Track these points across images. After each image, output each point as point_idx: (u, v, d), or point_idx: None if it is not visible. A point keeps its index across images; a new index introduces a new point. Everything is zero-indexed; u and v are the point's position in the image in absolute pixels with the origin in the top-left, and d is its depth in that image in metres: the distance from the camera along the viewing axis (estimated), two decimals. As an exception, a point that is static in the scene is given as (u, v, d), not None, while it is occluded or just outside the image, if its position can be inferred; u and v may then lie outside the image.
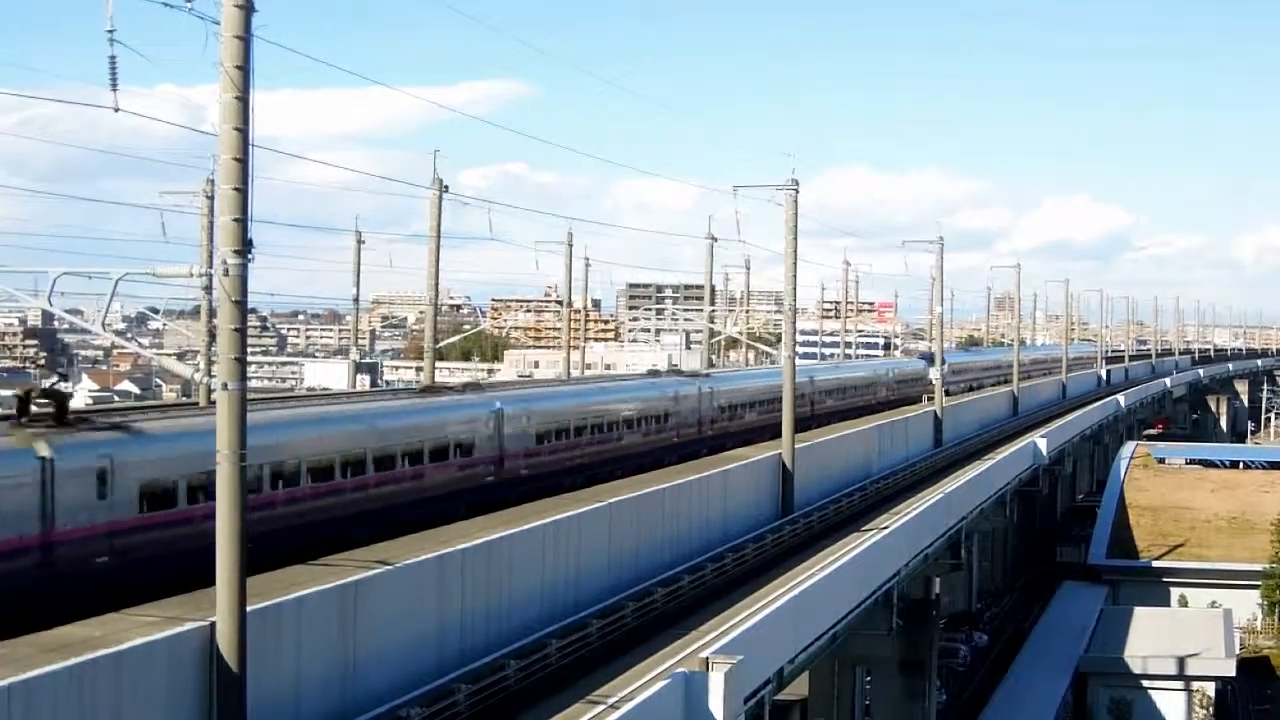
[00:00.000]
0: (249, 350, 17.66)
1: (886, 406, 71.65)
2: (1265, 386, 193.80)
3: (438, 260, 41.57)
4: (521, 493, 32.61)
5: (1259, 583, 73.07)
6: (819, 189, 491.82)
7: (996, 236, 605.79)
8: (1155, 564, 77.65)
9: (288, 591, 18.95)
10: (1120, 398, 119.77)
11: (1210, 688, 58.63)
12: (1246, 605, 72.28)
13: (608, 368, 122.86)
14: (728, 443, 47.52)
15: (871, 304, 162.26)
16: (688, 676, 22.57)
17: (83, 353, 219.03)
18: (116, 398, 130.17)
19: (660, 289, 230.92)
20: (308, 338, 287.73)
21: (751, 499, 38.15)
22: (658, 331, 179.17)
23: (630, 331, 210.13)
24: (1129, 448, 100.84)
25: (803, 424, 49.74)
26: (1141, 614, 66.55)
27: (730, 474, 36.80)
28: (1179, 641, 59.48)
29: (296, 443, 26.22)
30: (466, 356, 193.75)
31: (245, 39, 16.45)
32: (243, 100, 16.46)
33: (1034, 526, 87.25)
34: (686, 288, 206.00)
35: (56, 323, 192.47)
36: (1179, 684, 57.22)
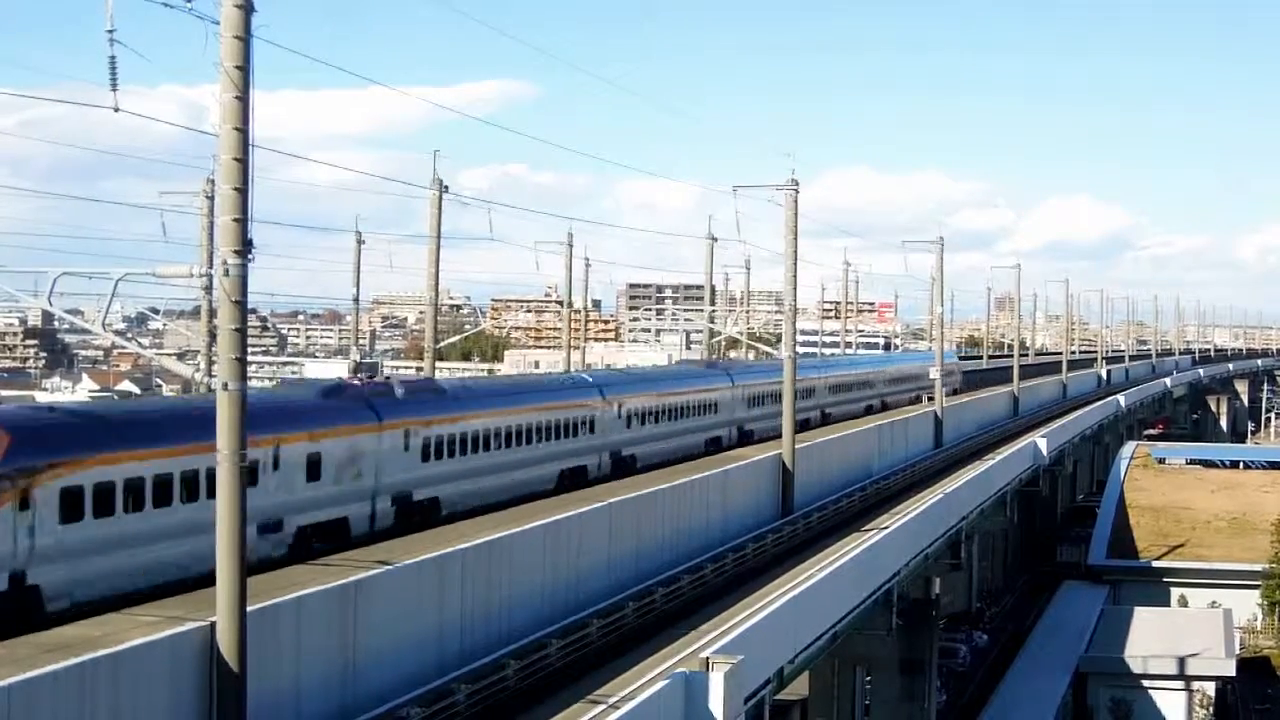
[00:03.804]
0: (249, 350, 17.65)
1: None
2: (1265, 386, 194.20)
3: (438, 260, 41.68)
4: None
5: (1259, 583, 73.10)
6: (819, 189, 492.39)
7: (997, 236, 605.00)
8: (1155, 564, 77.67)
9: (287, 591, 18.95)
10: (1120, 398, 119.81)
11: (1210, 688, 58.67)
12: (1246, 605, 72.33)
13: (608, 367, 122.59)
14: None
15: (872, 304, 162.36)
16: (688, 676, 22.58)
17: (83, 353, 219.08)
18: (116, 398, 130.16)
19: (660, 289, 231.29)
20: (308, 338, 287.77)
21: (751, 499, 38.16)
22: (658, 332, 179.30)
23: (630, 332, 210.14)
24: (1129, 448, 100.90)
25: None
26: (1141, 614, 66.52)
27: (730, 474, 36.82)
28: (1179, 641, 59.47)
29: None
30: (466, 357, 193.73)
31: (245, 39, 16.46)
32: (243, 100, 16.47)
33: (1034, 526, 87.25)
34: (687, 288, 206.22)
35: (56, 323, 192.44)
36: (1179, 684, 57.21)
